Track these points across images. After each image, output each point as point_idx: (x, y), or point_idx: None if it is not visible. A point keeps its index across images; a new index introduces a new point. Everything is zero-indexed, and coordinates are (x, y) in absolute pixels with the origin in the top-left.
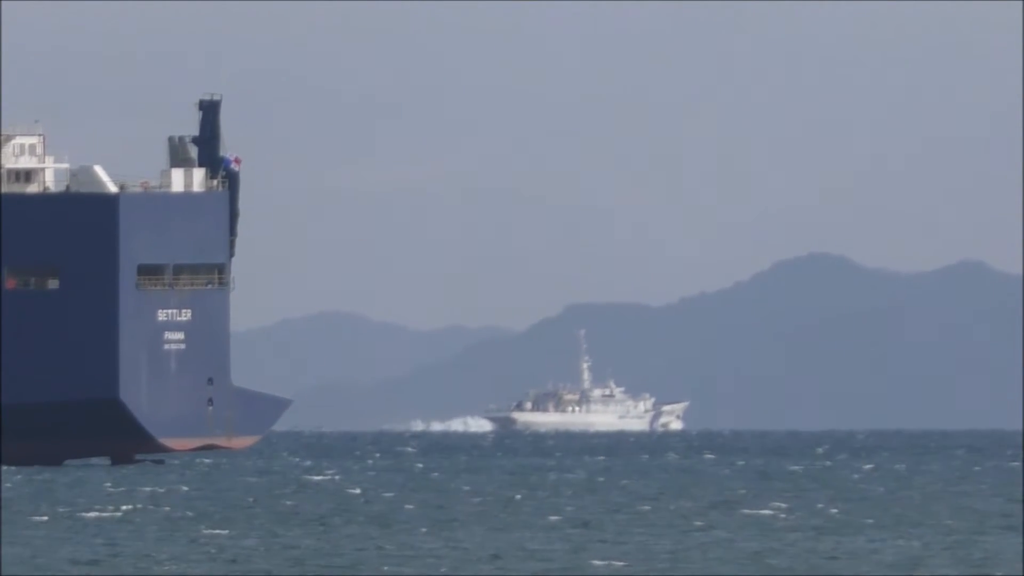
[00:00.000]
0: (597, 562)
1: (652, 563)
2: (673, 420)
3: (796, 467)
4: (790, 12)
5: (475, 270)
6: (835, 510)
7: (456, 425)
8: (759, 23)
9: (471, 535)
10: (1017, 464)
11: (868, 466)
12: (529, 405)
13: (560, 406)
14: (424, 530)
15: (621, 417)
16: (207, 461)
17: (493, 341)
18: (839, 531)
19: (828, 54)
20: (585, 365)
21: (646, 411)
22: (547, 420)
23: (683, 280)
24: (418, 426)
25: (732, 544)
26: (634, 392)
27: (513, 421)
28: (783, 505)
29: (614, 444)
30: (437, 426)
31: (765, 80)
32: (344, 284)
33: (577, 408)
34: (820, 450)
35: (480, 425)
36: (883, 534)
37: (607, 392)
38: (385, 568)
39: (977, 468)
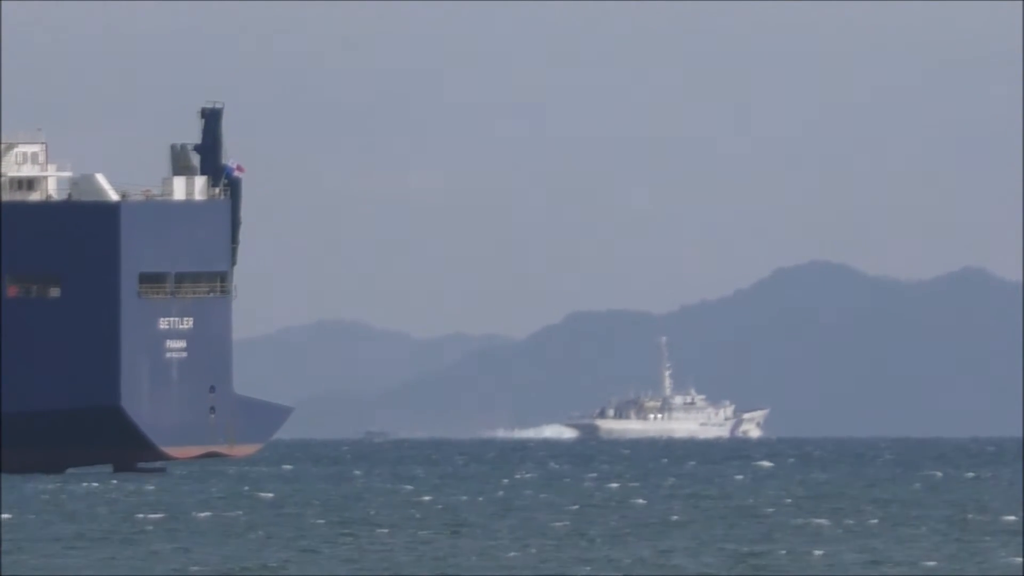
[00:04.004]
0: None
1: None
2: (753, 428)
3: None
4: (791, 13)
5: (476, 277)
6: None
7: (546, 432)
8: (760, 25)
9: None
10: None
11: None
12: (611, 412)
13: (642, 413)
14: None
15: (702, 424)
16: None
17: (494, 349)
18: None
19: (829, 58)
20: (667, 372)
21: (727, 419)
22: (630, 427)
23: (684, 288)
24: (500, 434)
25: None
26: (715, 399)
27: (596, 429)
28: None
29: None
30: (519, 433)
31: (766, 84)
32: (345, 292)
33: (659, 415)
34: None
35: (562, 432)
36: None
37: (688, 399)
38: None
39: None
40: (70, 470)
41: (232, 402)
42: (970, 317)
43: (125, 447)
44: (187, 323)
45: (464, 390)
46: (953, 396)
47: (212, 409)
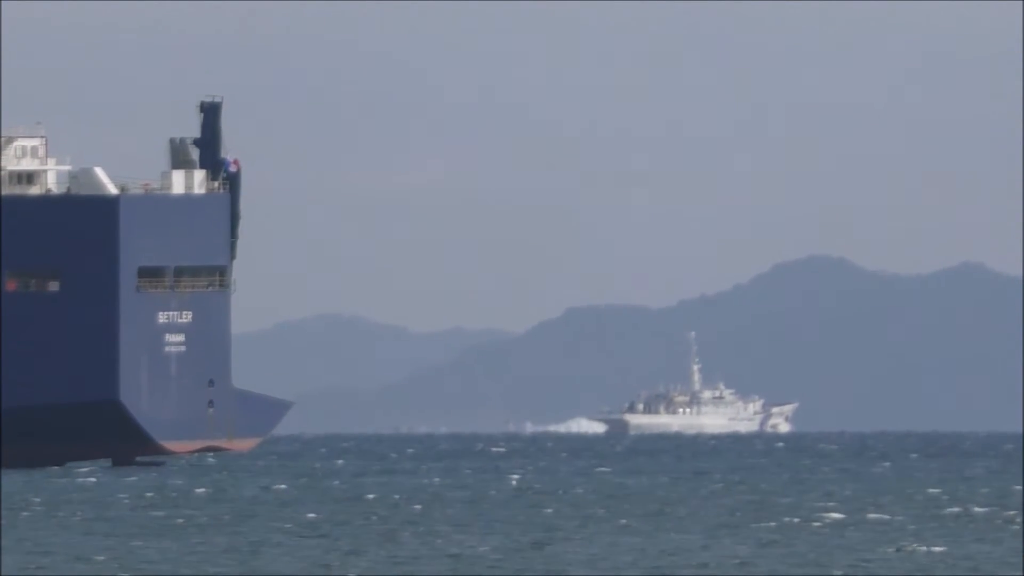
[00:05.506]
0: None
1: None
2: (782, 422)
3: None
4: (790, 12)
5: (475, 272)
6: None
7: (574, 426)
8: (758, 23)
9: None
10: None
11: None
12: (641, 407)
13: (671, 408)
14: None
15: (731, 419)
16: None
17: (493, 343)
18: None
19: (828, 55)
20: (696, 367)
21: (755, 413)
22: (660, 422)
23: (683, 282)
24: (528, 428)
25: None
26: (744, 393)
27: (626, 423)
28: None
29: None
30: (545, 428)
31: (764, 81)
32: (344, 286)
33: (688, 410)
34: None
35: (591, 427)
36: None
37: (717, 394)
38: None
39: None
40: (69, 464)
41: (231, 396)
42: (969, 312)
43: (124, 441)
44: (186, 317)
45: (463, 385)
46: (952, 391)
47: (211, 403)
